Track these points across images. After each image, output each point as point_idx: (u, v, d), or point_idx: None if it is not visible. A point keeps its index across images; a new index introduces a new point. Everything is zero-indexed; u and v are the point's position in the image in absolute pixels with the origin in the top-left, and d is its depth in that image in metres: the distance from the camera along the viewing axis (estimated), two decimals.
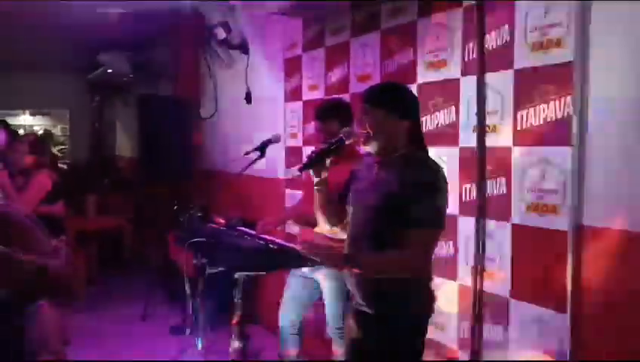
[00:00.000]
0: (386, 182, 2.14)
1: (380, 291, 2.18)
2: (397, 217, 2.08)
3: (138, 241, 6.39)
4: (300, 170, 2.35)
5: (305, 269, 3.20)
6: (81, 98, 9.36)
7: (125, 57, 6.56)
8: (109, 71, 6.80)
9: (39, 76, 8.51)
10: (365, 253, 2.18)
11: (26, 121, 10.84)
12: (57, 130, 11.32)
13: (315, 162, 2.28)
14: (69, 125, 10.20)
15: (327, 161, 2.30)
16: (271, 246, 2.88)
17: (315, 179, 2.34)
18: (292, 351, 3.51)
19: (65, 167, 9.11)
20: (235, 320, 2.90)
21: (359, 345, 2.30)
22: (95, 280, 5.95)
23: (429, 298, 2.25)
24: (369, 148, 2.22)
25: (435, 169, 2.17)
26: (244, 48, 4.90)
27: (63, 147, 10.64)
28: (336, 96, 3.72)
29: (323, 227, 2.75)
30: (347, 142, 2.31)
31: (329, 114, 3.10)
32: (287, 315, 3.47)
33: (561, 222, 2.44)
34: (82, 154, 9.44)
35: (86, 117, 9.66)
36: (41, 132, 10.90)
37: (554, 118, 2.46)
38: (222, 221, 4.08)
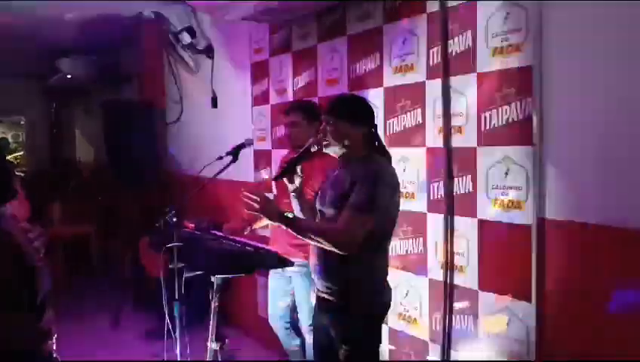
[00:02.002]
0: (342, 181, 2.37)
1: (338, 279, 2.38)
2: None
3: (105, 248, 6.32)
4: (274, 179, 2.60)
5: (280, 269, 3.27)
6: (38, 104, 9.16)
7: (86, 62, 6.47)
8: (69, 76, 6.70)
9: None
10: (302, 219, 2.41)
11: None
12: (10, 138, 11.03)
13: (287, 171, 2.50)
14: (25, 132, 9.96)
15: (299, 169, 2.50)
16: (247, 248, 2.95)
17: (290, 186, 2.53)
18: (293, 346, 3.58)
19: (22, 174, 8.90)
20: (211, 322, 2.96)
21: (323, 331, 2.48)
22: (63, 289, 5.86)
23: (385, 288, 2.45)
24: (333, 154, 2.46)
25: (380, 164, 2.39)
26: (209, 53, 4.93)
27: (18, 154, 10.38)
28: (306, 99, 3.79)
29: None
30: (313, 150, 2.49)
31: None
32: (276, 314, 3.55)
33: (524, 217, 2.59)
34: (39, 162, 9.23)
35: (43, 123, 9.45)
36: None
37: (516, 119, 2.61)
38: (191, 225, 4.11)
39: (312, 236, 2.32)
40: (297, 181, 2.51)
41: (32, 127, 9.61)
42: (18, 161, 10.12)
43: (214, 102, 4.94)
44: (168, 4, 4.92)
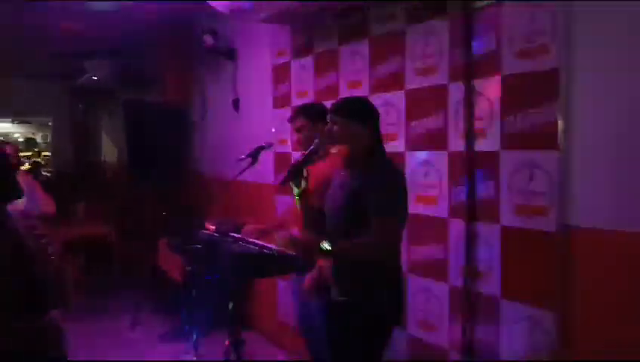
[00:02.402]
0: (350, 183, 2.39)
1: (354, 281, 2.39)
2: (361, 212, 2.31)
3: (126, 249, 6.36)
4: (281, 184, 2.58)
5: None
6: (65, 105, 9.30)
7: (111, 64, 6.54)
8: (94, 78, 6.78)
9: (21, 84, 8.45)
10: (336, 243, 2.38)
11: (7, 128, 10.74)
12: (39, 138, 11.22)
13: (294, 174, 2.53)
14: (52, 132, 10.13)
15: (305, 171, 2.54)
16: (265, 251, 2.93)
17: (295, 190, 2.56)
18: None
19: (48, 174, 9.04)
20: (228, 326, 2.94)
21: (337, 334, 2.47)
22: (83, 289, 5.91)
23: (399, 289, 2.46)
24: (338, 156, 2.49)
25: (393, 168, 2.46)
26: (231, 55, 4.94)
27: (47, 154, 10.55)
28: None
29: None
30: (320, 152, 2.53)
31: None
32: (304, 320, 3.48)
33: (549, 223, 2.51)
34: (65, 162, 9.37)
35: (69, 124, 9.59)
36: (21, 139, 10.81)
37: (540, 123, 2.54)
38: (212, 227, 4.11)
39: (352, 256, 2.36)
40: (303, 184, 2.52)
41: (59, 128, 9.76)
42: (46, 161, 10.29)
43: (236, 105, 4.94)
44: (191, 6, 4.93)
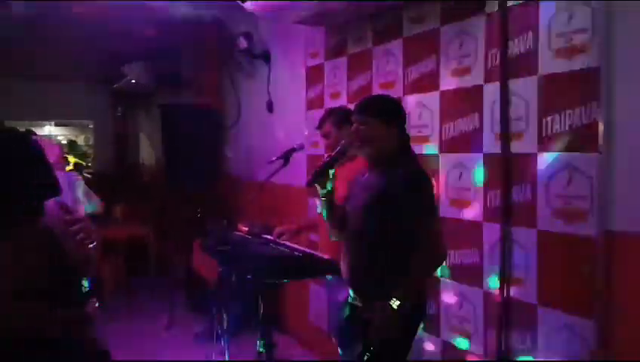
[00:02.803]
0: (377, 186, 2.33)
1: (380, 283, 2.31)
2: (383, 214, 2.28)
3: (163, 250, 6.45)
4: (307, 185, 2.50)
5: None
6: (105, 108, 9.50)
7: (149, 67, 6.64)
8: (133, 81, 6.89)
9: (63, 87, 8.66)
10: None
11: (50, 131, 11.03)
12: (81, 140, 11.50)
13: (319, 176, 2.42)
14: (94, 135, 10.35)
15: (331, 173, 2.43)
16: (295, 253, 2.91)
17: (321, 191, 2.46)
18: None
19: (90, 176, 9.24)
20: (260, 328, 2.93)
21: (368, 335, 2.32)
22: (121, 289, 6.01)
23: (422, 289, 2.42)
24: (361, 155, 2.44)
25: (422, 170, 2.37)
26: (265, 57, 4.95)
27: (87, 157, 10.80)
28: None
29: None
30: (348, 154, 2.46)
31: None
32: (337, 323, 3.44)
33: (588, 228, 2.42)
34: (106, 164, 9.57)
35: (109, 127, 9.79)
36: (64, 141, 11.09)
37: (579, 124, 2.45)
38: (245, 229, 4.12)
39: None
40: (329, 185, 2.45)
41: (100, 131, 9.97)
42: (87, 163, 10.54)
43: (270, 107, 4.95)
44: (226, 9, 4.97)
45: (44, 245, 1.77)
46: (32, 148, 1.81)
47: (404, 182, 2.26)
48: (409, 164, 2.37)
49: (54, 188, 1.84)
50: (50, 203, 1.86)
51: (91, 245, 2.02)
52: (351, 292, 2.49)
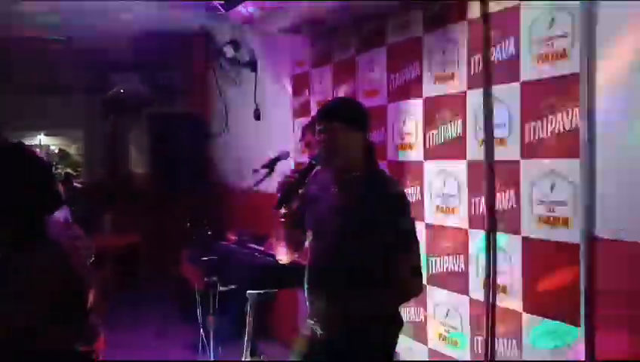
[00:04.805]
0: (350, 204, 2.05)
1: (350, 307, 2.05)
2: (361, 234, 2.00)
3: (152, 259, 6.42)
4: (277, 207, 2.10)
5: None
6: (95, 118, 9.47)
7: (137, 77, 6.63)
8: (122, 91, 6.88)
9: (53, 97, 8.64)
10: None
11: (41, 141, 10.98)
12: (72, 150, 11.45)
13: (290, 196, 2.08)
14: (84, 145, 10.32)
15: (300, 191, 2.11)
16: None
17: (282, 211, 2.11)
18: None
19: (80, 186, 9.20)
20: (247, 336, 2.91)
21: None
22: (109, 299, 5.96)
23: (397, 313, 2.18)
24: (328, 167, 2.10)
25: (397, 184, 2.23)
26: (252, 66, 4.94)
27: (80, 167, 10.75)
28: None
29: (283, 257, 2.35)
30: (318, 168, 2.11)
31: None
32: None
33: (571, 235, 2.41)
34: (95, 174, 9.55)
35: (100, 136, 9.77)
36: (56, 151, 11.05)
37: (562, 130, 2.45)
38: (233, 238, 4.09)
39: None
40: (295, 204, 2.12)
41: (90, 140, 9.95)
42: (78, 172, 10.49)
43: (257, 115, 4.94)
44: (212, 18, 4.96)
45: (56, 258, 1.75)
46: (39, 159, 1.80)
47: (387, 206, 2.00)
48: (383, 178, 2.14)
49: (60, 200, 1.83)
50: (52, 217, 1.85)
51: (90, 260, 2.02)
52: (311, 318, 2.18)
